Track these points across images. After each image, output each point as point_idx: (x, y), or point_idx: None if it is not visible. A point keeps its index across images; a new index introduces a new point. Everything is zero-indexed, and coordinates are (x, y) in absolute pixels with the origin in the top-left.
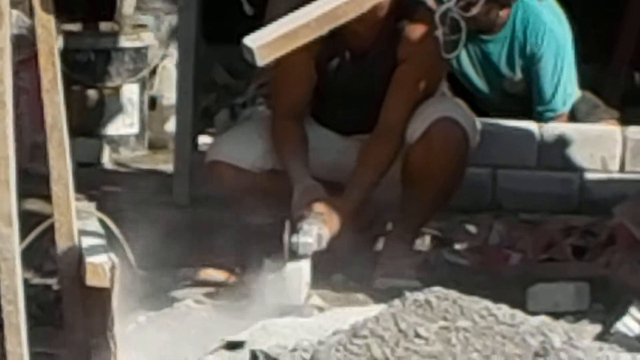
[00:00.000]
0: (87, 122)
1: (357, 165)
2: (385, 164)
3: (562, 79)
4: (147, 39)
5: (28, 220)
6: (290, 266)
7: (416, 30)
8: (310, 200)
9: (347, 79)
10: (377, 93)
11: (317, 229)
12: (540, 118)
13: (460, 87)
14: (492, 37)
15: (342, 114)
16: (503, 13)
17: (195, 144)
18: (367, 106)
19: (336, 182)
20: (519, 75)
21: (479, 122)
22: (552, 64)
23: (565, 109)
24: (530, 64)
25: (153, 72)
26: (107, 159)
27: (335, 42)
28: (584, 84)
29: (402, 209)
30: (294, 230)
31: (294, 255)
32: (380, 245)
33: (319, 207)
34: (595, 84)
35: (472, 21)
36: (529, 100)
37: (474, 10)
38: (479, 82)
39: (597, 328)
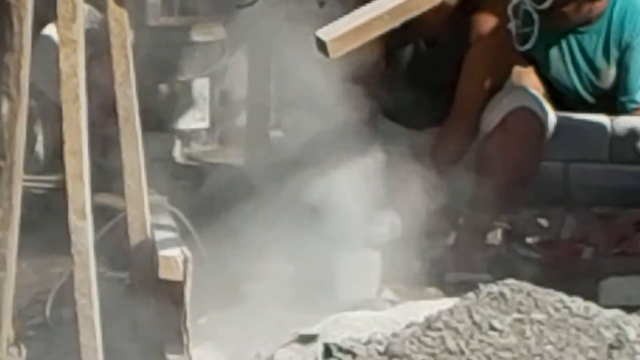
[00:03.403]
0: (159, 117)
1: (431, 150)
2: (460, 148)
3: None
4: (219, 33)
5: (101, 214)
6: (362, 257)
7: (486, 16)
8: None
9: (419, 68)
10: (448, 83)
11: (391, 217)
12: (622, 109)
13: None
14: (587, 29)
15: (413, 106)
16: (600, 4)
17: (266, 139)
18: (439, 97)
19: None
20: (613, 67)
21: (553, 115)
22: None
23: None
24: (624, 54)
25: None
26: (178, 153)
27: (406, 29)
28: None
29: (474, 201)
30: (368, 219)
31: (367, 244)
32: (451, 238)
33: (395, 192)
34: None
35: (566, 20)
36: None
37: (547, 3)
38: (568, 78)
39: None
